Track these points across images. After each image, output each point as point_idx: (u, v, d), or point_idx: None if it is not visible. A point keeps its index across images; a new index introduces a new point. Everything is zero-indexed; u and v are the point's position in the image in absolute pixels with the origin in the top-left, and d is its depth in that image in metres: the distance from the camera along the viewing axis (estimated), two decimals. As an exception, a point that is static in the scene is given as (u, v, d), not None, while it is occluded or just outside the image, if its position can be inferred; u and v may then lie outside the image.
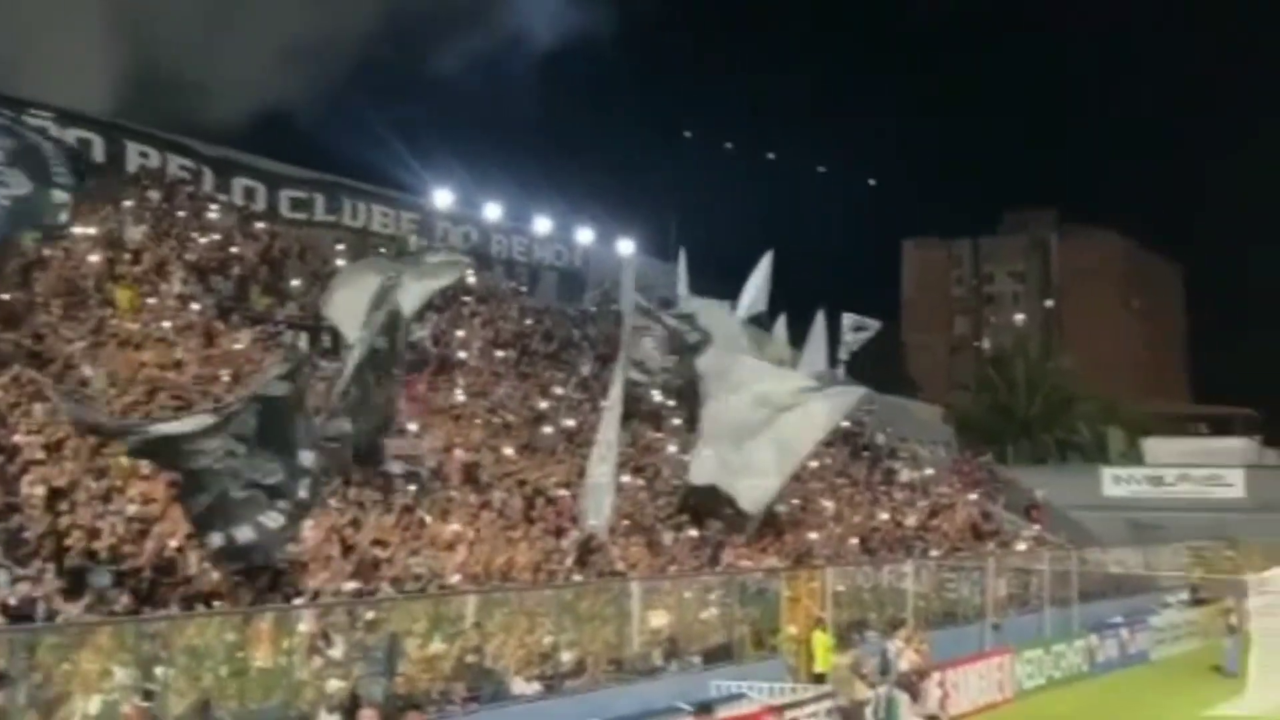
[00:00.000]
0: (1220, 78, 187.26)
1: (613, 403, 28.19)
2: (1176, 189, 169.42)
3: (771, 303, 47.05)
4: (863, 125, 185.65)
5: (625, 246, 51.05)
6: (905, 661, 24.18)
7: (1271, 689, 28.02)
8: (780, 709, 21.25)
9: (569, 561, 24.92)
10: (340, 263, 37.13)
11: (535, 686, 20.10)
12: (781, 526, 32.49)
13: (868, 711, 22.67)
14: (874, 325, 51.51)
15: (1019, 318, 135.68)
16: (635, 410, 35.59)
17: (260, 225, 37.87)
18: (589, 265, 50.12)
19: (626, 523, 28.38)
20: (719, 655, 24.45)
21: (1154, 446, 71.65)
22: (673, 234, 55.45)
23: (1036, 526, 47.60)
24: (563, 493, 28.39)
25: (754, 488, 30.85)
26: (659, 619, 23.17)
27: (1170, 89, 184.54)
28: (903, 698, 23.53)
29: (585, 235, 50.33)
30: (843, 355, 49.56)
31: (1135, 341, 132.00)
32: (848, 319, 50.20)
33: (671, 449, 35.80)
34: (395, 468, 25.52)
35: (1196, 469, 64.17)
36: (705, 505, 30.85)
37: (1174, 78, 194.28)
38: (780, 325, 48.02)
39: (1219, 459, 66.36)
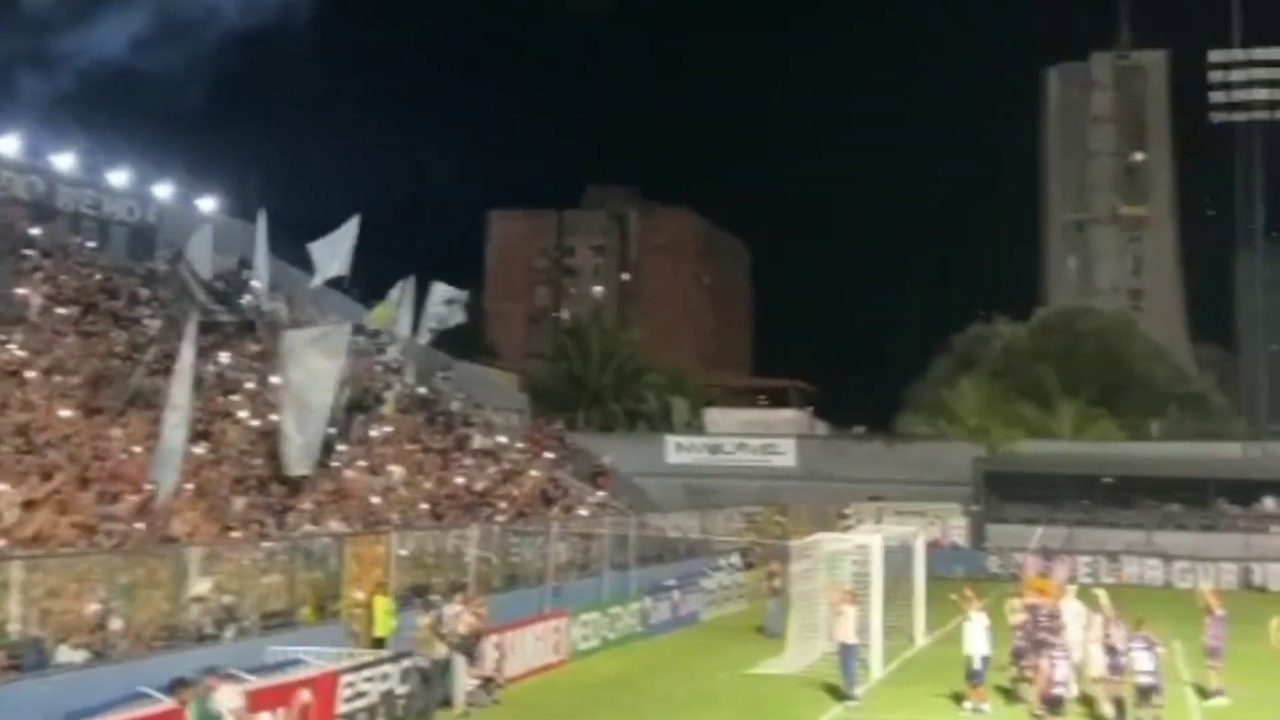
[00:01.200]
0: (790, 74, 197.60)
1: (184, 367, 27.54)
2: (746, 175, 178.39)
3: (368, 268, 46.90)
4: (458, 98, 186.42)
5: (206, 204, 49.66)
6: (463, 625, 24.79)
7: (808, 649, 29.97)
8: (337, 674, 21.44)
9: (125, 526, 24.39)
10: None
11: (82, 654, 19.65)
12: (347, 491, 32.64)
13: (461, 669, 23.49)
14: (462, 296, 51.53)
15: (597, 290, 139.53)
16: (205, 375, 34.92)
17: None
18: (163, 222, 48.38)
19: (191, 487, 27.91)
20: (279, 621, 24.47)
21: (715, 416, 75.43)
22: (255, 194, 54.20)
23: (601, 493, 49.25)
24: (123, 456, 27.68)
25: (284, 454, 31.13)
26: (209, 585, 22.88)
27: (742, 82, 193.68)
28: (459, 660, 24.17)
29: (164, 191, 48.56)
30: (433, 325, 49.65)
31: (704, 316, 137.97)
32: (438, 290, 50.10)
33: (243, 414, 35.31)
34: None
35: (753, 438, 67.98)
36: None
37: (747, 72, 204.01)
38: (397, 290, 47.88)
39: (774, 429, 70.52)
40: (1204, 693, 25.64)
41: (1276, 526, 56.77)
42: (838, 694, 25.89)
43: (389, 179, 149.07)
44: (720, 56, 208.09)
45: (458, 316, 50.20)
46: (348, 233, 45.63)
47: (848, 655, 25.99)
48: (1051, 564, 33.16)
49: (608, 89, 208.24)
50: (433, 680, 23.28)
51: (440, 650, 23.53)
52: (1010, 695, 25.38)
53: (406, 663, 23.02)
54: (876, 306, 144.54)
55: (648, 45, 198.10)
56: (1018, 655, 25.54)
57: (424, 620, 23.98)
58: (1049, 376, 77.48)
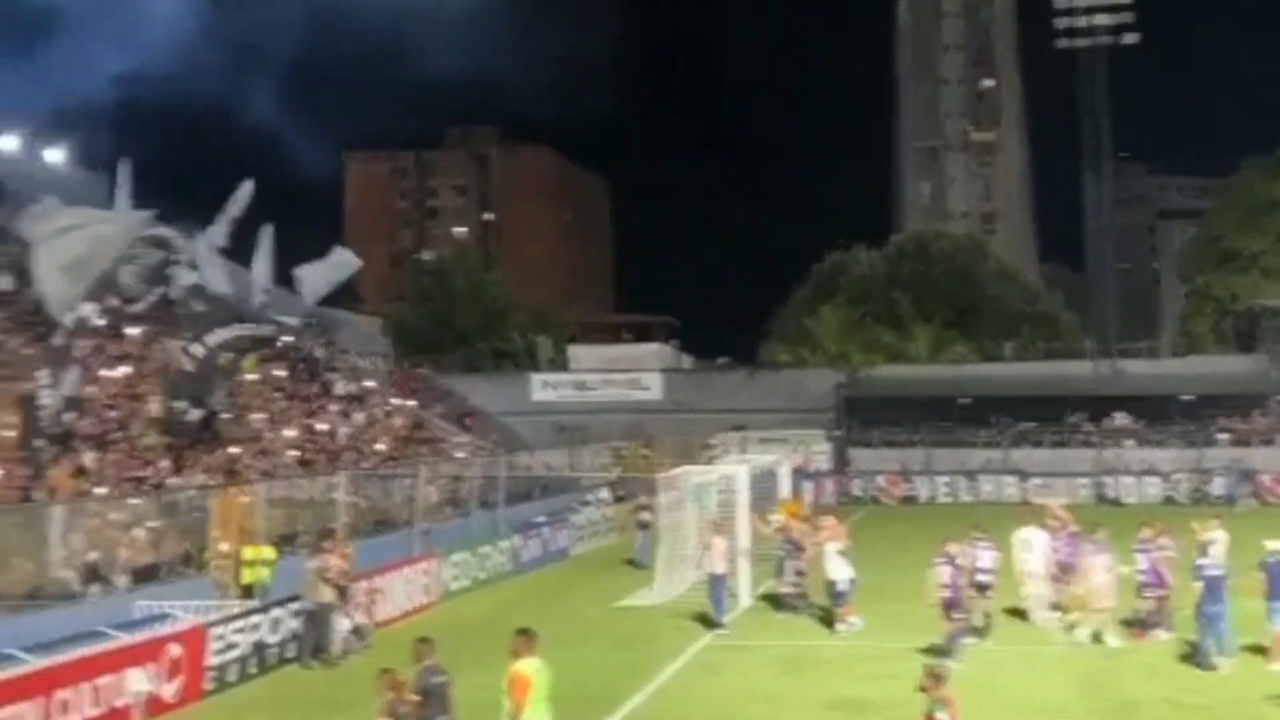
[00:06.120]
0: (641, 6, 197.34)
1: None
2: (605, 112, 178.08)
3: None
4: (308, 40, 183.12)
5: (54, 155, 48.50)
6: (333, 570, 24.81)
7: (677, 580, 30.37)
8: (205, 627, 21.40)
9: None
10: None
11: (-56, 616, 19.49)
12: (213, 442, 32.42)
13: (334, 615, 23.53)
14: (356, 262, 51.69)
15: (459, 230, 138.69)
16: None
17: None
18: (11, 174, 47.03)
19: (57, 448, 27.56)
20: (146, 576, 24.35)
21: (579, 353, 75.66)
22: (109, 145, 53.00)
23: (469, 433, 49.34)
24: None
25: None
26: (79, 543, 22.72)
27: (595, 19, 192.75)
28: (338, 605, 24.23)
29: (9, 143, 47.24)
30: (324, 289, 49.54)
31: (567, 253, 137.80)
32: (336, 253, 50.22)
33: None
34: None
35: (618, 373, 68.37)
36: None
37: (599, 8, 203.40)
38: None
39: (638, 364, 70.97)
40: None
41: (1128, 441, 58.63)
42: (708, 623, 26.20)
43: (246, 121, 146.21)
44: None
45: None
46: (240, 199, 44.55)
47: (717, 585, 26.30)
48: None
49: (464, 32, 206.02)
50: (320, 624, 23.36)
51: (326, 595, 23.55)
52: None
53: (277, 611, 23.06)
54: (737, 239, 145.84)
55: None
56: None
57: (310, 564, 23.98)
58: (904, 301, 78.93)
